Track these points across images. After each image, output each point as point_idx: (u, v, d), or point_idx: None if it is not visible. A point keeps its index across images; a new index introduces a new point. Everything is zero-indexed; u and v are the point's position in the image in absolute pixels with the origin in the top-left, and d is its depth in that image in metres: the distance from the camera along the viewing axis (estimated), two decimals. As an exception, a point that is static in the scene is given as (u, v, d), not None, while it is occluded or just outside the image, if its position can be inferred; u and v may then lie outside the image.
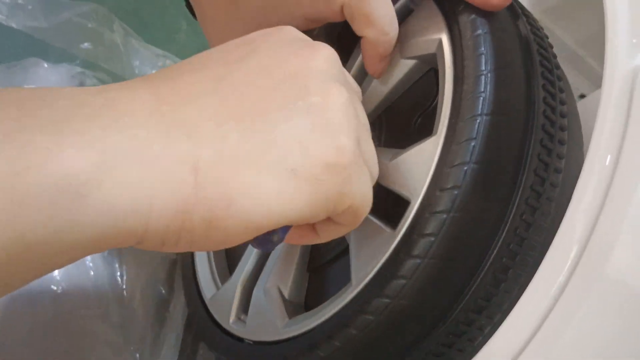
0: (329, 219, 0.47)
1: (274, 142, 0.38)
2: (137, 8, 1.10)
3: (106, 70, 0.94)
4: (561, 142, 0.58)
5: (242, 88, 0.39)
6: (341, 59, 0.49)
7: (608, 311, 0.51)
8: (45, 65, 0.81)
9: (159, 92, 0.38)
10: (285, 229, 0.46)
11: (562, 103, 0.59)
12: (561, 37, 0.88)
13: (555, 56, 0.62)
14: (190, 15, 0.67)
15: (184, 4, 0.67)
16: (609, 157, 0.49)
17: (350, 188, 0.42)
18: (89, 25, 0.91)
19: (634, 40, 0.50)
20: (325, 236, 0.52)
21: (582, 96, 0.94)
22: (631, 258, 0.50)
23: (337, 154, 0.40)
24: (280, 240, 0.46)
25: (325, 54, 0.44)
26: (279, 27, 0.46)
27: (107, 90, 0.38)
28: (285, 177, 0.38)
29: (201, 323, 0.74)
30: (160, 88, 0.38)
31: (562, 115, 0.59)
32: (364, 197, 0.45)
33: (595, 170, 0.49)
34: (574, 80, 0.95)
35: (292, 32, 0.45)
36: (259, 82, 0.40)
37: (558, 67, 0.62)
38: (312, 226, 0.50)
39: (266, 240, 0.45)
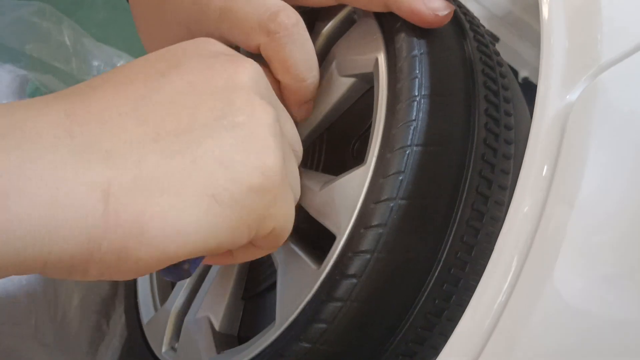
0: (248, 242, 0.44)
1: (194, 165, 0.36)
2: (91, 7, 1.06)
3: (56, 71, 0.90)
4: (505, 172, 0.53)
5: (163, 106, 0.38)
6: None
7: (550, 336, 0.47)
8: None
9: (73, 110, 0.36)
10: (200, 257, 0.42)
11: (508, 128, 0.55)
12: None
13: (504, 75, 0.58)
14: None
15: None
16: (530, 208, 0.45)
17: (275, 211, 0.41)
18: (38, 25, 0.87)
19: (568, 74, 0.46)
20: (241, 258, 0.50)
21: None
22: (571, 282, 0.47)
23: (262, 177, 0.38)
24: (193, 269, 0.43)
25: (251, 70, 0.42)
26: (204, 39, 0.44)
27: (16, 108, 0.35)
28: (205, 204, 0.36)
29: (136, 349, 0.71)
30: (75, 105, 0.36)
31: (508, 142, 0.54)
32: (287, 220, 0.44)
33: (520, 214, 0.46)
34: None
35: (216, 46, 0.44)
36: (181, 99, 0.38)
37: (507, 87, 0.57)
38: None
39: (177, 270, 0.42)
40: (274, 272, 0.64)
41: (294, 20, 0.53)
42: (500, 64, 0.58)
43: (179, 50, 0.42)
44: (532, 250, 0.48)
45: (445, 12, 0.52)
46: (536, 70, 0.94)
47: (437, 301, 0.50)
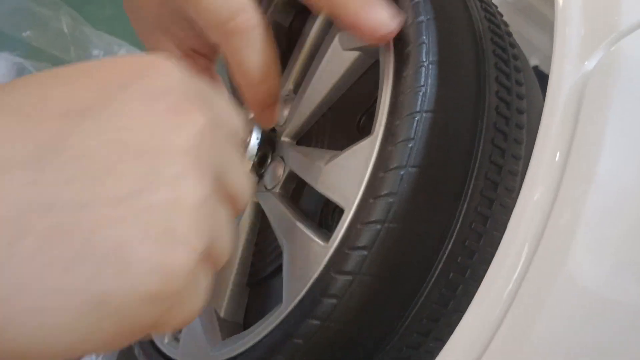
0: None
1: (83, 254, 0.28)
2: None
3: (55, 59, 0.88)
4: (517, 142, 0.51)
5: (71, 163, 0.29)
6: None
7: (562, 319, 0.45)
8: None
9: None
10: None
11: (520, 97, 0.53)
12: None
13: (513, 45, 0.56)
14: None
15: None
16: (545, 187, 0.43)
17: (175, 313, 0.32)
18: (36, 12, 0.86)
19: (585, 42, 0.44)
20: None
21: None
22: (585, 264, 0.44)
23: (161, 283, 0.29)
24: None
25: (199, 126, 0.32)
26: (154, 66, 0.33)
27: None
28: (86, 307, 0.28)
29: (137, 343, 0.68)
30: None
31: (520, 112, 0.52)
32: (190, 316, 0.34)
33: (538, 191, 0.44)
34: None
35: (166, 80, 0.33)
36: (97, 155, 0.29)
37: (516, 57, 0.55)
38: None
39: None
40: (279, 256, 0.61)
41: (253, 23, 0.50)
42: (509, 34, 0.56)
43: (116, 80, 0.32)
44: (548, 226, 0.46)
45: (389, 31, 0.50)
46: (547, 58, 0.93)
47: (451, 275, 0.48)
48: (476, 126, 0.49)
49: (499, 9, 0.83)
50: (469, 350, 0.46)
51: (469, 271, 0.48)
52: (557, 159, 0.44)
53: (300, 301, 0.49)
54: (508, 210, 0.50)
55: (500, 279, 0.46)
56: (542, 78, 0.96)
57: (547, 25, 0.88)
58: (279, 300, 0.55)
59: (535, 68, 0.98)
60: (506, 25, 0.58)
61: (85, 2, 1.05)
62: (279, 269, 0.62)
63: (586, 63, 0.47)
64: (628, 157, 0.45)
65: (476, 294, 0.47)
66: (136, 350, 0.69)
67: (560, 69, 0.47)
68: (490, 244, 0.49)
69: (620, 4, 0.47)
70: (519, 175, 0.51)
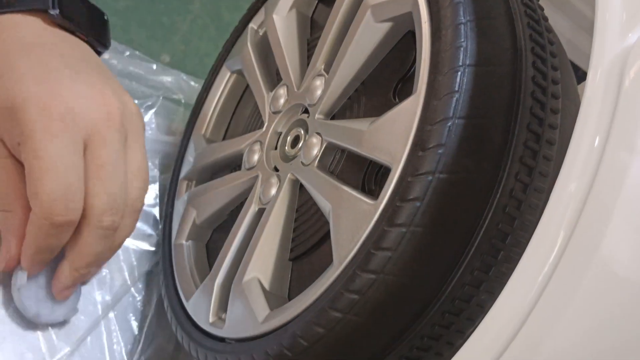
0: None
1: None
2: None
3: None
4: (554, 96, 0.53)
5: None
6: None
7: (598, 301, 0.45)
8: None
9: None
10: None
11: (553, 55, 0.55)
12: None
13: (542, 8, 0.58)
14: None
15: None
16: (593, 156, 0.44)
17: None
18: None
19: (625, 18, 0.45)
20: None
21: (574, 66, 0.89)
22: (622, 244, 0.44)
23: None
24: None
25: None
26: None
27: None
28: None
29: (181, 326, 0.68)
30: None
31: (554, 68, 0.54)
32: None
33: (580, 161, 0.44)
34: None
35: None
36: None
37: (546, 19, 0.57)
38: None
39: None
40: (320, 228, 0.62)
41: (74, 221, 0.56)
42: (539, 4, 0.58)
43: None
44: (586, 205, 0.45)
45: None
46: (570, 42, 0.94)
47: (500, 225, 0.49)
48: (515, 79, 0.50)
49: None
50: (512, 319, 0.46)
51: (518, 221, 0.49)
52: (596, 144, 0.44)
53: (354, 257, 0.49)
54: (550, 162, 0.51)
55: (548, 236, 0.46)
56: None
57: (570, 10, 0.89)
58: (320, 272, 0.56)
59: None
60: None
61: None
62: (317, 244, 0.63)
63: (629, 35, 0.46)
64: None
65: (523, 256, 0.47)
66: (179, 335, 0.69)
67: (601, 46, 0.47)
68: (536, 194, 0.50)
69: None
70: (558, 130, 0.53)
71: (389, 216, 0.48)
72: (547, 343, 0.43)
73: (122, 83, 0.90)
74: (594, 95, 0.44)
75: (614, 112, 0.42)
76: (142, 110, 0.92)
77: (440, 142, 0.47)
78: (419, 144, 0.48)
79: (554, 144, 0.52)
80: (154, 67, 0.98)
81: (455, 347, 0.52)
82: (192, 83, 1.01)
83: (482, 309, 0.51)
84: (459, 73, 0.48)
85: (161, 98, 0.96)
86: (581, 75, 0.97)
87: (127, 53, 0.96)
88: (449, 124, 0.47)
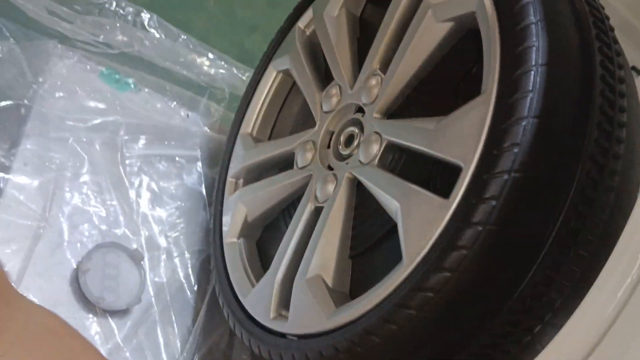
0: None
1: None
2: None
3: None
4: (622, 95, 0.53)
5: None
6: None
7: None
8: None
9: None
10: None
11: (618, 54, 0.55)
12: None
13: (603, 7, 0.58)
14: None
15: None
16: None
17: None
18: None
19: None
20: None
21: (634, 68, 0.89)
22: None
23: None
24: None
25: None
26: None
27: None
28: None
29: (240, 323, 0.69)
30: None
31: (620, 67, 0.54)
32: None
33: None
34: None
35: None
36: None
37: (608, 18, 0.58)
38: None
39: None
40: (380, 227, 0.63)
41: None
42: (602, 7, 0.58)
43: None
44: None
45: None
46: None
47: (572, 223, 0.49)
48: (585, 78, 0.50)
49: None
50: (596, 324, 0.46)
51: (589, 219, 0.50)
52: None
53: (426, 255, 0.50)
54: (619, 160, 0.52)
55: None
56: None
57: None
58: (384, 269, 0.56)
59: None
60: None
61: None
62: (378, 242, 0.63)
63: None
64: None
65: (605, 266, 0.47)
66: (237, 331, 0.70)
67: None
68: (606, 193, 0.51)
69: None
70: (625, 128, 0.53)
71: (464, 214, 0.48)
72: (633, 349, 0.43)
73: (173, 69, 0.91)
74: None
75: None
76: (188, 105, 0.93)
77: (515, 142, 0.47)
78: (493, 142, 0.49)
79: (622, 142, 0.52)
80: (209, 56, 0.98)
81: (522, 345, 0.53)
82: (236, 72, 1.02)
83: (551, 308, 0.51)
84: (532, 72, 0.49)
85: (208, 91, 0.98)
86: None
87: (183, 37, 0.96)
88: (524, 123, 0.47)
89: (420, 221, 0.52)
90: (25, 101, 0.75)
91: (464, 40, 0.61)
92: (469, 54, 0.60)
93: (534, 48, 0.49)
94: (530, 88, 0.48)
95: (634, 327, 0.44)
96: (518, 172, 0.47)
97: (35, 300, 0.66)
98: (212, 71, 0.99)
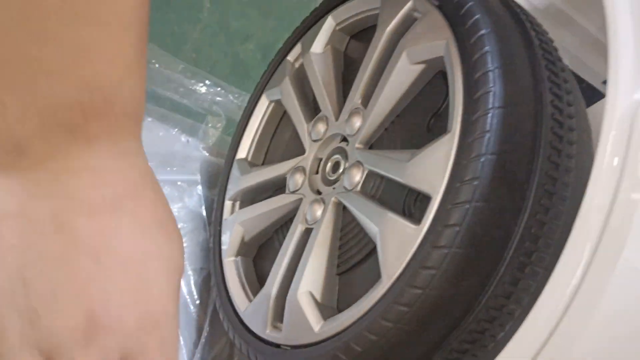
0: None
1: None
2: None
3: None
4: (570, 129, 0.61)
5: None
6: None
7: (627, 301, 0.53)
8: None
9: None
10: None
11: (568, 92, 0.62)
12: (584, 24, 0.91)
13: (556, 49, 0.66)
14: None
15: None
16: (603, 198, 0.51)
17: None
18: None
19: (637, 74, 0.52)
20: None
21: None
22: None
23: None
24: None
25: None
26: None
27: None
28: None
29: (239, 334, 0.77)
30: None
31: (569, 104, 0.62)
32: None
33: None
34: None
35: None
36: None
37: (560, 59, 0.65)
38: None
39: None
40: (363, 247, 0.70)
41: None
42: (551, 40, 0.66)
43: None
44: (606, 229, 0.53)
45: None
46: (576, 58, 1.02)
47: (527, 243, 0.57)
48: (537, 117, 0.58)
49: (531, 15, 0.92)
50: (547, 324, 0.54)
51: (542, 240, 0.57)
52: (611, 181, 0.51)
53: (401, 274, 0.57)
54: (568, 187, 0.59)
55: (574, 256, 0.54)
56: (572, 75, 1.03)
57: (575, 28, 0.97)
58: (367, 285, 0.64)
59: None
60: (552, 41, 0.66)
61: None
62: (362, 260, 0.71)
63: (636, 94, 0.53)
64: None
65: (551, 276, 0.55)
66: (237, 342, 0.77)
67: (614, 97, 0.54)
68: (557, 216, 0.58)
69: None
70: (574, 158, 0.60)
71: (432, 239, 0.56)
72: (578, 346, 0.51)
73: (174, 98, 0.98)
74: (608, 143, 0.52)
75: (625, 157, 0.50)
76: (189, 131, 1.00)
77: (475, 175, 0.55)
78: (457, 176, 0.56)
79: (572, 171, 0.60)
80: (206, 82, 1.05)
81: (487, 350, 0.60)
82: (232, 98, 1.09)
83: (511, 317, 0.59)
84: (490, 115, 0.56)
85: (207, 117, 1.05)
86: (585, 87, 1.05)
87: (181, 67, 1.04)
88: (482, 159, 0.55)
89: (396, 244, 0.60)
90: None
91: (435, 80, 0.69)
92: (440, 92, 0.68)
93: (491, 93, 0.57)
94: (488, 128, 0.56)
95: (574, 331, 0.51)
96: (478, 202, 0.55)
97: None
98: (210, 98, 1.07)
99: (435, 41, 0.64)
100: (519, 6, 0.68)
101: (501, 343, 0.59)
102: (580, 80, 1.06)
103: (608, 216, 0.53)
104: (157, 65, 1.05)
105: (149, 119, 0.97)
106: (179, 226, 0.90)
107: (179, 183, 0.94)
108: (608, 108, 0.52)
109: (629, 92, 0.52)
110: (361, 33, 0.86)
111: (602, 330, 0.54)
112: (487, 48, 0.59)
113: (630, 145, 0.51)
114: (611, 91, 0.53)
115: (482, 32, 0.60)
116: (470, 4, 0.62)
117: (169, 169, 0.94)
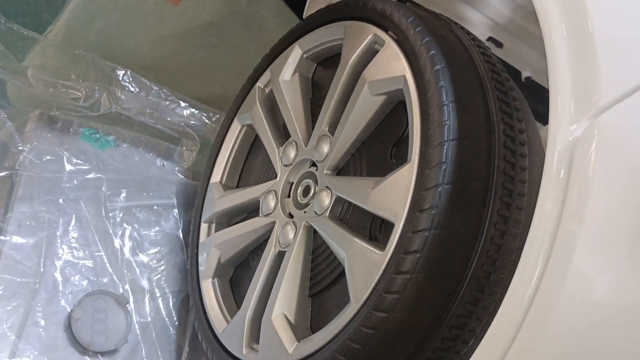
0: None
1: None
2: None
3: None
4: (522, 156, 0.65)
5: None
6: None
7: (571, 318, 0.56)
8: None
9: None
10: None
11: (520, 120, 0.66)
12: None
13: (508, 79, 0.70)
14: None
15: None
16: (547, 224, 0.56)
17: None
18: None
19: (575, 114, 0.56)
20: None
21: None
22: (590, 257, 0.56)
23: None
24: None
25: None
26: None
27: None
28: None
29: (218, 356, 0.80)
30: None
31: (521, 132, 0.66)
32: None
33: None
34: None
35: None
36: None
37: (513, 88, 0.69)
38: None
39: None
40: (334, 269, 0.74)
41: None
42: (503, 70, 0.70)
43: None
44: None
45: None
46: (537, 70, 1.07)
47: (484, 266, 0.61)
48: (490, 147, 0.62)
49: (493, 31, 0.96)
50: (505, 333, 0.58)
51: (498, 262, 0.61)
52: (554, 209, 0.55)
53: (367, 298, 0.61)
54: (522, 210, 0.63)
55: (525, 278, 0.58)
56: (534, 88, 1.09)
57: (536, 42, 1.02)
58: (337, 306, 0.67)
59: (528, 79, 1.12)
60: (504, 71, 0.70)
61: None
62: (333, 282, 0.74)
63: (574, 131, 0.56)
64: (607, 198, 0.54)
65: (507, 293, 0.59)
66: (215, 364, 0.80)
67: (555, 134, 0.58)
68: (512, 239, 0.62)
69: (599, 85, 0.57)
70: (527, 183, 0.64)
71: (395, 265, 0.59)
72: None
73: (148, 122, 1.00)
74: (550, 175, 0.56)
75: (566, 188, 0.55)
76: (164, 155, 1.03)
77: (433, 205, 0.59)
78: (416, 205, 0.60)
79: (524, 196, 0.64)
80: (181, 104, 1.07)
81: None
82: (206, 120, 1.12)
83: (473, 334, 0.63)
84: (445, 147, 0.60)
85: (182, 140, 1.07)
86: (548, 98, 1.10)
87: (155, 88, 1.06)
88: (440, 189, 0.59)
89: (363, 269, 0.63)
90: (17, 167, 0.85)
91: (397, 109, 0.72)
92: (401, 121, 0.71)
93: (446, 126, 0.61)
94: (444, 160, 0.59)
95: (531, 342, 0.55)
96: (437, 229, 0.58)
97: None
98: (184, 120, 1.09)
99: (394, 74, 0.68)
100: (474, 37, 0.72)
101: (464, 359, 0.63)
102: (544, 91, 1.11)
103: (549, 253, 0.56)
104: (131, 89, 1.08)
105: (125, 145, 0.99)
106: (157, 250, 0.94)
107: (155, 207, 0.97)
108: (549, 143, 0.57)
109: (568, 127, 0.57)
110: (328, 60, 0.89)
111: (558, 338, 0.57)
112: (441, 83, 0.63)
113: (569, 181, 0.55)
114: (552, 126, 0.57)
115: (437, 67, 0.64)
116: (426, 39, 0.66)
117: (144, 193, 0.96)
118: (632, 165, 0.55)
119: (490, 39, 1.03)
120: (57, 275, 0.81)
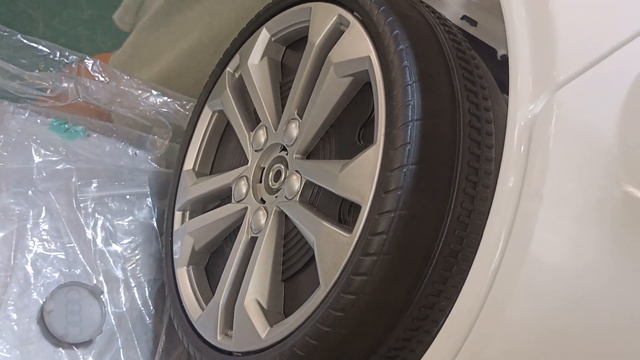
0: None
1: None
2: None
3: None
4: (488, 134, 0.65)
5: None
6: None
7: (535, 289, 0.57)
8: None
9: None
10: None
11: (485, 98, 0.66)
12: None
13: (474, 57, 0.69)
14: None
15: None
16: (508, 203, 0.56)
17: None
18: None
19: (534, 91, 0.56)
20: None
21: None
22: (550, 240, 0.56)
23: None
24: None
25: None
26: None
27: None
28: None
29: (193, 343, 0.79)
30: None
31: (487, 110, 0.66)
32: None
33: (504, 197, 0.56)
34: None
35: None
36: None
37: (478, 66, 0.69)
38: None
39: None
40: (305, 253, 0.74)
41: None
42: (469, 48, 0.70)
43: None
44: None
45: None
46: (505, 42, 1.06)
47: (452, 245, 0.61)
48: (455, 126, 0.62)
49: (467, 9, 0.96)
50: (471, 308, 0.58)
51: (466, 240, 0.61)
52: (514, 193, 0.55)
53: (336, 281, 0.61)
54: (489, 189, 0.63)
55: (486, 258, 0.58)
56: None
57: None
58: (309, 290, 0.67)
59: (504, 56, 1.11)
60: (470, 49, 0.70)
61: (63, 6, 1.13)
62: (305, 266, 0.74)
63: (533, 107, 0.57)
64: (564, 174, 0.55)
65: (471, 268, 0.59)
66: (191, 351, 0.80)
67: (515, 110, 0.58)
68: (479, 217, 0.62)
69: (557, 60, 0.57)
70: (493, 161, 0.64)
71: (362, 247, 0.59)
72: (497, 334, 0.55)
73: (120, 111, 0.99)
74: (511, 152, 0.56)
75: (525, 164, 0.55)
76: (136, 144, 1.02)
77: (398, 185, 0.58)
78: (382, 187, 0.59)
79: (491, 174, 0.64)
80: (152, 92, 1.06)
81: (424, 345, 0.64)
82: (178, 107, 1.11)
83: (443, 313, 0.63)
84: (409, 127, 0.60)
85: (153, 128, 1.06)
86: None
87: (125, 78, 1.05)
88: (405, 170, 0.58)
89: (331, 253, 0.63)
90: (-16, 159, 0.83)
91: (364, 91, 0.72)
92: (368, 103, 0.71)
93: (410, 106, 0.60)
94: (408, 140, 0.59)
95: (491, 325, 0.56)
96: (402, 210, 0.58)
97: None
98: (156, 108, 1.08)
99: (359, 55, 0.68)
100: (439, 16, 0.72)
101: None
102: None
103: (510, 230, 0.56)
104: (101, 79, 1.06)
105: (95, 135, 0.98)
106: (130, 239, 0.93)
107: (128, 197, 0.96)
108: (509, 121, 0.57)
109: (527, 104, 0.57)
110: (297, 42, 0.88)
111: (517, 323, 0.57)
112: (405, 63, 0.62)
113: (529, 157, 0.55)
114: (512, 102, 0.57)
115: (401, 47, 0.63)
116: (390, 19, 0.65)
117: (117, 183, 0.95)
118: (590, 140, 0.55)
119: (464, 17, 1.02)
120: (29, 268, 0.80)
